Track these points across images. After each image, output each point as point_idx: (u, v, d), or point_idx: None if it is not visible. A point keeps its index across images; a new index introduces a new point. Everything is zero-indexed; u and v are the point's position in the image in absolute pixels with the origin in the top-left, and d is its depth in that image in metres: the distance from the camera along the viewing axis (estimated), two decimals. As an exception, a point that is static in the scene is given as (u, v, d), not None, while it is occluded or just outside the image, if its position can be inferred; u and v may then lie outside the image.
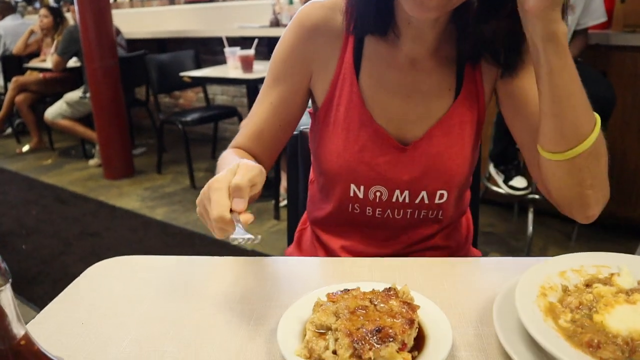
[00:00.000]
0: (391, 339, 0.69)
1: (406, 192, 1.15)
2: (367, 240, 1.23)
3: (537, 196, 3.26)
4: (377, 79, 1.12)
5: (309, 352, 0.72)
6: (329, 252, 1.27)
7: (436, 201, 1.16)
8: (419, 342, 0.76)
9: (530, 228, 3.31)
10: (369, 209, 1.18)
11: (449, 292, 0.93)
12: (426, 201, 1.16)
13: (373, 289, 0.83)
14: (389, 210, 1.18)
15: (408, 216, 1.19)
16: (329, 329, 0.75)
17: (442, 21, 1.05)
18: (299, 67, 1.15)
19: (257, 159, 1.17)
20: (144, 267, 1.07)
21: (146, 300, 0.94)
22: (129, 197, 4.52)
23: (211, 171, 5.08)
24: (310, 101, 1.22)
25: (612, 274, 0.83)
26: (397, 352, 0.69)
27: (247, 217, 0.83)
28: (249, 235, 0.81)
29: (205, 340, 0.82)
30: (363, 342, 0.69)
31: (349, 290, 0.82)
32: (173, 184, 4.85)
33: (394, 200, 1.16)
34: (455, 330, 0.82)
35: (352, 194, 1.17)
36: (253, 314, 0.89)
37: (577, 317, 0.73)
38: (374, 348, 0.68)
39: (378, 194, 1.16)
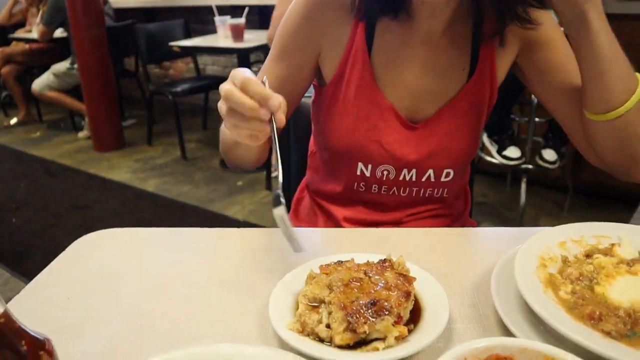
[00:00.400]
0: (386, 312, 0.67)
1: (413, 171, 1.13)
2: (369, 211, 1.21)
3: (530, 166, 3.25)
4: (389, 57, 1.08)
5: (302, 325, 0.70)
6: (330, 220, 1.25)
7: (442, 179, 1.15)
8: (415, 314, 0.74)
9: (523, 198, 3.31)
10: (374, 187, 1.16)
11: (445, 262, 0.91)
12: (432, 179, 1.14)
13: (367, 261, 0.80)
14: (394, 188, 1.16)
15: (414, 194, 1.17)
16: (322, 302, 0.73)
17: None
18: (308, 41, 1.09)
19: None
20: (133, 240, 1.04)
21: (135, 274, 0.91)
22: (120, 169, 4.47)
23: (202, 142, 5.03)
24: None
25: (612, 244, 0.81)
26: (393, 325, 0.67)
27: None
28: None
29: (195, 315, 0.80)
30: (357, 316, 0.67)
31: (342, 262, 0.80)
32: (164, 156, 4.80)
33: (400, 178, 1.14)
34: (451, 302, 0.80)
35: (359, 173, 1.15)
36: (245, 287, 0.86)
37: (578, 288, 0.71)
38: (369, 322, 0.66)
39: (385, 172, 1.13)
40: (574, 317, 0.65)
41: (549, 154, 3.23)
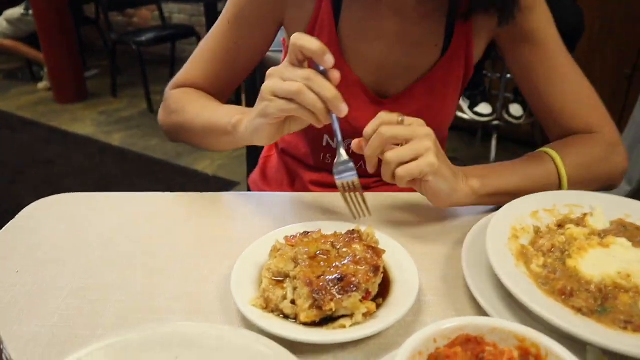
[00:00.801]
0: (354, 288, 0.64)
1: None
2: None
3: (500, 122, 3.25)
4: (357, 28, 1.01)
5: (266, 302, 0.67)
6: (298, 182, 1.21)
7: None
8: (384, 287, 0.71)
9: (493, 154, 3.33)
10: None
11: (415, 230, 0.89)
12: None
13: (335, 232, 0.77)
14: (362, 162, 1.11)
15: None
16: (287, 276, 0.69)
17: None
18: (269, 10, 1.02)
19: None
20: (88, 205, 0.98)
21: (89, 243, 0.86)
22: (83, 123, 4.32)
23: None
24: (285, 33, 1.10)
25: (584, 214, 0.79)
26: (361, 301, 0.64)
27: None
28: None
29: (153, 288, 0.76)
30: (324, 293, 0.64)
31: (308, 232, 0.76)
32: (129, 108, 4.65)
33: None
34: (421, 273, 0.77)
35: (324, 144, 1.10)
36: (207, 257, 0.82)
37: (550, 261, 0.70)
38: (335, 299, 0.63)
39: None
40: (545, 293, 0.64)
41: (516, 109, 3.25)
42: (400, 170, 0.78)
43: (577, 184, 0.89)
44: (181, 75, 1.08)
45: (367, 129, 0.80)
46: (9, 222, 0.92)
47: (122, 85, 5.05)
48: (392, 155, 0.78)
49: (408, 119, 0.79)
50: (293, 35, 0.75)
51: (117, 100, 4.84)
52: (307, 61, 0.78)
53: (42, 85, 5.13)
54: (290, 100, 0.76)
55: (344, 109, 0.76)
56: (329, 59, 0.74)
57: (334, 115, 0.79)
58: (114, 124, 4.29)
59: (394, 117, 0.79)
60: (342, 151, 0.85)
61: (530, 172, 0.88)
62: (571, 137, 0.97)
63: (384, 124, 0.78)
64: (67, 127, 4.22)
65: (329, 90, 0.75)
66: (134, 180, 3.36)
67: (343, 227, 0.79)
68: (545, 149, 0.92)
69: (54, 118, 4.40)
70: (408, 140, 0.77)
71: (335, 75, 0.76)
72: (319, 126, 0.79)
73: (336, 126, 0.82)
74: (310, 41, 0.74)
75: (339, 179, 0.84)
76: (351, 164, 0.84)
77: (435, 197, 0.82)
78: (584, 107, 0.97)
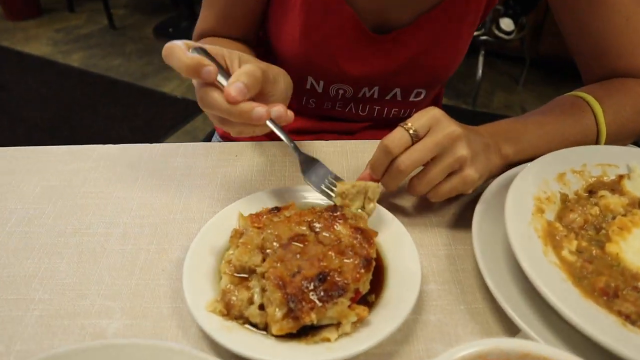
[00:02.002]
0: (340, 292, 0.49)
1: (376, 89, 0.91)
2: (319, 122, 0.99)
3: (489, 37, 3.04)
4: None
5: (226, 306, 0.52)
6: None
7: (411, 99, 0.93)
8: (375, 276, 0.56)
9: (480, 71, 3.14)
10: (327, 104, 0.94)
11: (411, 197, 0.73)
12: (399, 98, 0.93)
13: (313, 207, 0.61)
14: (352, 105, 0.94)
15: (375, 113, 0.96)
16: (252, 271, 0.54)
17: None
18: None
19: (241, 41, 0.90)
20: (12, 163, 0.80)
21: (6, 220, 0.70)
22: (38, 42, 3.95)
23: (132, 7, 4.49)
24: None
25: (620, 177, 0.64)
26: (349, 306, 0.50)
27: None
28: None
29: (86, 279, 0.60)
30: (301, 299, 0.49)
31: (279, 209, 0.60)
32: (89, 24, 4.26)
33: (359, 95, 0.92)
34: (421, 252, 0.64)
35: (308, 87, 0.92)
36: (157, 235, 0.67)
37: (584, 244, 0.55)
38: (316, 307, 0.48)
39: (341, 91, 0.91)
40: (582, 293, 0.50)
41: (506, 24, 3.03)
42: (433, 196, 0.63)
43: (614, 141, 0.73)
44: (198, 25, 0.90)
45: (375, 165, 0.62)
46: None
47: (79, -1, 4.62)
48: (422, 186, 0.62)
49: (419, 123, 0.60)
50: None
51: (75, 15, 4.43)
52: None
53: (-10, -1, 4.67)
54: None
55: (257, 117, 0.57)
56: (205, 76, 0.57)
57: (268, 121, 0.60)
58: (73, 43, 3.94)
59: (404, 138, 0.60)
60: (300, 153, 0.66)
61: (568, 132, 0.71)
62: (614, 81, 0.78)
63: (396, 152, 0.60)
64: (20, 47, 3.85)
65: (218, 109, 0.58)
66: (97, 104, 3.10)
67: (321, 199, 0.64)
68: (586, 96, 0.74)
69: (5, 37, 4.01)
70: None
71: (229, 91, 0.56)
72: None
73: (278, 132, 0.63)
74: (179, 61, 0.56)
75: (315, 185, 0.65)
76: (319, 162, 0.67)
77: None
78: (637, 46, 0.77)
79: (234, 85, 0.56)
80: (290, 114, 0.61)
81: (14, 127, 2.87)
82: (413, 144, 0.59)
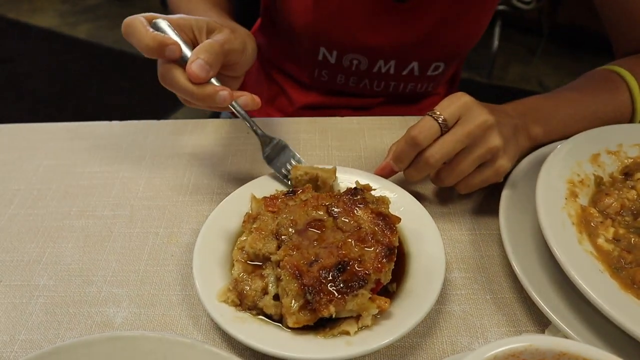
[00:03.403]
0: (361, 283, 0.46)
1: (392, 62, 0.85)
2: (332, 97, 0.95)
3: (507, 7, 2.95)
4: None
5: (239, 296, 0.49)
6: (281, 99, 0.99)
7: (429, 73, 0.88)
8: (396, 263, 0.53)
9: (495, 42, 3.05)
10: (340, 77, 0.89)
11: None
12: (416, 73, 0.87)
13: (332, 187, 0.58)
14: (366, 81, 0.89)
15: (391, 89, 0.91)
16: (266, 259, 0.51)
17: None
18: None
19: None
20: (15, 140, 0.77)
21: (9, 200, 0.67)
22: (45, 13, 3.89)
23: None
24: None
25: (659, 157, 0.60)
26: (370, 299, 0.47)
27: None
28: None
29: (93, 264, 0.58)
30: (318, 290, 0.46)
31: (295, 191, 0.57)
32: (96, -5, 4.19)
33: (374, 70, 0.87)
34: (444, 236, 0.60)
35: (320, 58, 0.87)
36: (165, 217, 0.64)
37: (622, 231, 0.52)
38: (335, 299, 0.45)
39: (355, 62, 0.86)
40: (620, 285, 0.46)
41: (525, -7, 2.93)
42: (463, 188, 0.59)
43: None
44: None
45: (401, 156, 0.58)
46: None
47: (85, -31, 4.53)
48: (451, 178, 0.58)
49: (448, 112, 0.55)
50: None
51: (81, -15, 4.36)
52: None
53: (-5, -31, 4.59)
54: None
55: (221, 101, 0.55)
56: (168, 54, 0.54)
57: (234, 103, 0.58)
58: (79, 14, 3.87)
59: (433, 128, 0.55)
60: (261, 132, 0.63)
61: (601, 110, 0.66)
62: None
63: (425, 144, 0.56)
64: (26, 18, 3.80)
65: (180, 90, 0.55)
66: (104, 77, 3.06)
67: (343, 177, 0.61)
68: (620, 69, 0.69)
69: (11, 8, 3.95)
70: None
71: (190, 70, 0.54)
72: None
73: (240, 115, 0.59)
74: (140, 41, 0.54)
75: (277, 170, 0.63)
76: (283, 145, 0.64)
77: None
78: None
79: (194, 64, 0.53)
80: (257, 99, 0.58)
81: (20, 100, 2.84)
82: (442, 134, 0.55)
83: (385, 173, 0.61)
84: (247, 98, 0.57)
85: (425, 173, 0.58)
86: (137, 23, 0.54)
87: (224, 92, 0.54)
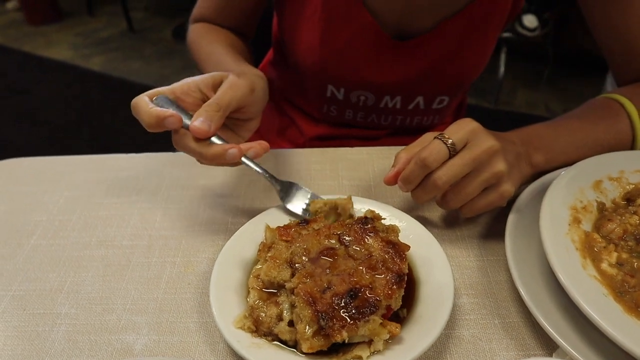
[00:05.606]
0: (372, 309, 0.48)
1: (398, 98, 0.89)
2: (341, 128, 0.97)
3: (511, 35, 2.99)
4: None
5: (255, 323, 0.51)
6: (291, 131, 1.02)
7: (434, 106, 0.91)
8: (406, 289, 0.54)
9: (502, 69, 3.09)
10: (349, 112, 0.93)
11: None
12: (422, 107, 0.91)
13: (342, 220, 0.60)
14: (374, 116, 0.92)
15: (398, 122, 0.94)
16: (281, 287, 0.53)
17: None
18: None
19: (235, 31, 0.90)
20: (31, 175, 0.80)
21: (32, 232, 0.69)
22: (59, 46, 4.00)
23: (151, 10, 4.51)
24: None
25: (660, 183, 0.62)
26: (381, 324, 0.48)
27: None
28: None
29: (112, 292, 0.60)
30: (331, 316, 0.47)
31: (308, 221, 0.59)
32: (108, 28, 4.30)
33: (381, 105, 0.90)
34: (452, 262, 0.62)
35: (329, 95, 0.90)
36: (182, 246, 0.66)
37: (624, 256, 0.53)
38: (347, 325, 0.47)
39: (362, 98, 0.89)
40: (624, 308, 0.47)
41: (530, 20, 2.97)
42: (467, 211, 0.61)
43: None
44: (196, 9, 0.91)
45: (410, 178, 0.59)
46: None
47: (98, 2, 4.65)
48: (457, 201, 0.60)
49: (457, 137, 0.57)
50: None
51: (94, 19, 4.47)
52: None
53: (11, 4, 4.70)
54: None
55: (231, 158, 0.58)
56: (169, 126, 0.58)
57: (244, 158, 0.61)
58: (93, 47, 3.97)
59: (442, 152, 0.57)
60: (276, 182, 0.66)
61: (601, 138, 0.68)
62: None
63: (434, 166, 0.57)
64: (42, 51, 3.90)
65: (191, 152, 0.60)
66: (118, 107, 3.12)
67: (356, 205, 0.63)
68: (620, 97, 0.71)
69: (27, 42, 4.07)
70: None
71: (192, 129, 0.58)
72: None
73: (253, 166, 0.63)
74: (142, 119, 0.58)
75: (296, 210, 0.66)
76: (296, 185, 0.67)
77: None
78: None
79: (196, 122, 0.57)
80: (265, 145, 0.61)
81: (36, 129, 2.91)
82: (450, 157, 0.57)
83: (394, 182, 0.62)
84: (256, 149, 0.60)
85: (432, 194, 0.59)
86: (141, 102, 0.59)
87: (233, 150, 0.58)
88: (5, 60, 3.81)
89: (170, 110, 0.58)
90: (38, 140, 2.81)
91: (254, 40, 1.05)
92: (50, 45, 4.01)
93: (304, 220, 0.59)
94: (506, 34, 3.00)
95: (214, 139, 0.59)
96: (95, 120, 2.98)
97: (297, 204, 0.65)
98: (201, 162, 0.61)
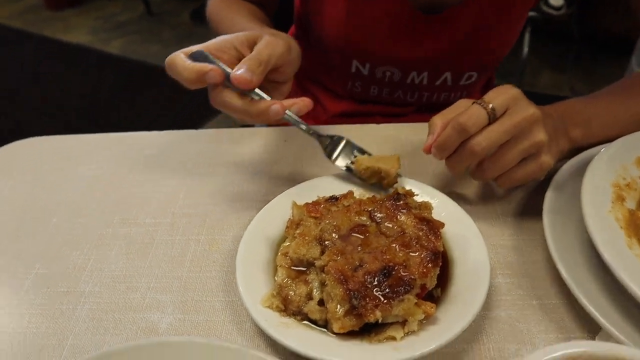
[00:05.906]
0: (407, 288, 0.46)
1: (425, 74, 0.85)
2: (366, 105, 0.95)
3: (536, 14, 2.91)
4: None
5: (284, 302, 0.49)
6: (316, 110, 0.99)
7: (462, 83, 0.88)
8: (440, 268, 0.52)
9: (525, 49, 3.02)
10: (374, 88, 0.90)
11: (470, 182, 0.69)
12: (449, 83, 0.87)
13: (374, 195, 0.58)
14: (400, 92, 0.89)
15: (424, 99, 0.91)
16: (310, 264, 0.51)
17: None
18: None
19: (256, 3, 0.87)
20: (57, 153, 0.79)
21: (54, 210, 0.68)
22: (78, 31, 4.00)
23: (168, -5, 4.49)
24: None
25: None
26: (416, 304, 0.46)
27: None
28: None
29: (136, 270, 0.59)
30: (364, 295, 0.45)
31: (337, 198, 0.57)
32: (126, 12, 4.28)
33: (408, 81, 0.87)
34: (487, 242, 0.59)
35: (353, 70, 0.87)
36: (207, 224, 0.64)
37: (673, 235, 0.50)
38: (381, 304, 0.45)
39: (388, 73, 0.86)
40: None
41: (555, -1, 2.89)
42: (504, 181, 0.57)
43: None
44: None
45: (446, 144, 0.55)
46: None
47: (116, -14, 4.65)
48: (494, 170, 0.56)
49: (497, 102, 0.54)
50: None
51: (112, 3, 4.46)
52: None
53: (30, -11, 4.74)
54: None
55: (274, 114, 0.56)
56: (211, 80, 0.56)
57: (287, 114, 0.58)
58: (111, 31, 3.97)
59: (482, 116, 0.53)
60: (321, 138, 0.65)
61: None
62: None
63: (472, 131, 0.54)
64: (61, 36, 3.90)
65: (233, 109, 0.57)
66: (135, 90, 3.12)
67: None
68: None
69: (46, 27, 4.08)
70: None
71: (234, 77, 0.55)
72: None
73: (296, 122, 0.61)
74: (180, 75, 0.56)
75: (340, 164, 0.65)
76: (342, 140, 0.66)
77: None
78: None
79: (238, 71, 0.55)
80: (308, 101, 0.58)
81: (56, 113, 2.92)
82: (489, 123, 0.54)
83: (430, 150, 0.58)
84: (299, 105, 0.57)
85: (467, 163, 0.56)
86: (177, 59, 0.56)
87: (276, 106, 0.55)
88: (25, 46, 3.82)
89: (211, 65, 0.55)
90: (57, 124, 2.82)
91: (274, 18, 1.02)
92: (69, 30, 4.01)
93: (332, 197, 0.57)
94: (531, 13, 2.92)
95: (254, 95, 0.57)
96: (115, 104, 2.98)
97: (342, 161, 0.64)
98: (241, 120, 0.59)
